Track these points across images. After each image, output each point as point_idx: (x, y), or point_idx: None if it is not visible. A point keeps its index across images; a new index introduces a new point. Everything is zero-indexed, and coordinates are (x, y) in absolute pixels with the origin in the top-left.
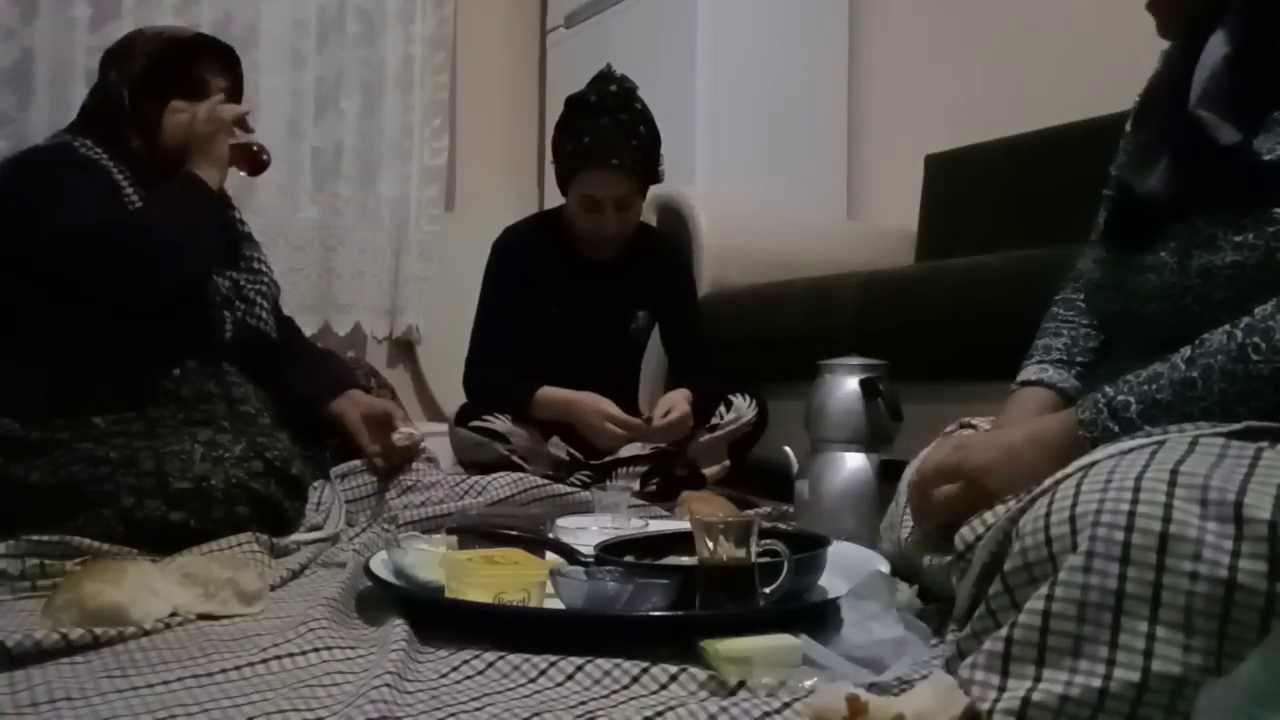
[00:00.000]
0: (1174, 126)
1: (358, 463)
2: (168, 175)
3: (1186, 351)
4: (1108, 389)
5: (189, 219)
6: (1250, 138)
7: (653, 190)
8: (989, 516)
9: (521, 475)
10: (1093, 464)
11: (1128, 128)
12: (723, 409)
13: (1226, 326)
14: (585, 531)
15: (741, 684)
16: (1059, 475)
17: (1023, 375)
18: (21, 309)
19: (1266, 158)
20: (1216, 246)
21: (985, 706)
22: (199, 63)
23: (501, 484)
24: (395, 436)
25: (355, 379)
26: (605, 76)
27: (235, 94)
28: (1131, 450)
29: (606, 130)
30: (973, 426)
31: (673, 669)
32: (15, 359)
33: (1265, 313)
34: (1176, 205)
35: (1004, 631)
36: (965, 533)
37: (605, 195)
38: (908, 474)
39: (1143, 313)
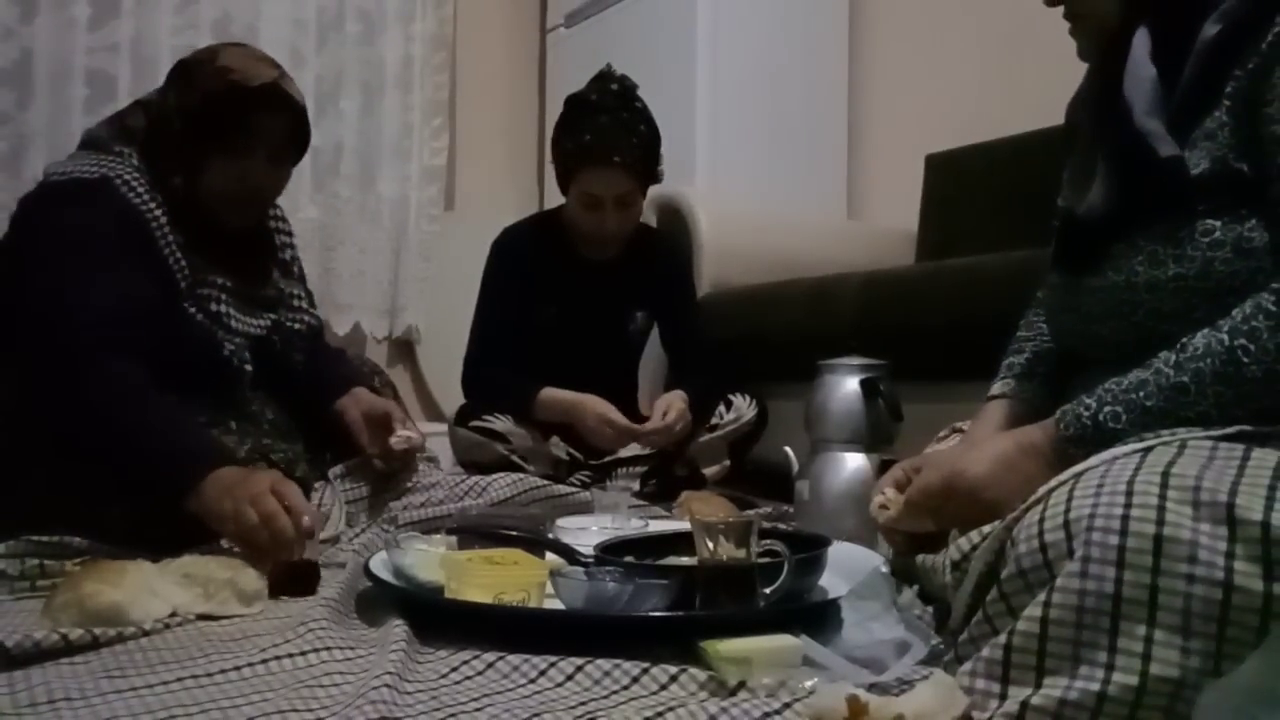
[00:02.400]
0: (1111, 138)
1: (355, 461)
2: (204, 217)
3: (1169, 357)
4: (1088, 400)
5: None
6: (1181, 154)
7: (653, 190)
8: (984, 526)
9: (521, 476)
10: (1084, 471)
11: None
12: (723, 409)
13: (1206, 330)
14: (585, 532)
15: (742, 684)
16: (1051, 484)
17: (989, 393)
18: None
19: (1194, 172)
20: (1158, 261)
21: (985, 716)
22: (256, 116)
23: (501, 485)
24: (393, 440)
25: (363, 377)
26: (605, 75)
27: (294, 149)
28: (1120, 457)
29: (607, 128)
30: (965, 432)
31: (673, 669)
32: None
33: (1244, 314)
34: (1115, 220)
35: (1003, 639)
36: (962, 543)
37: (606, 193)
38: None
39: (1099, 332)
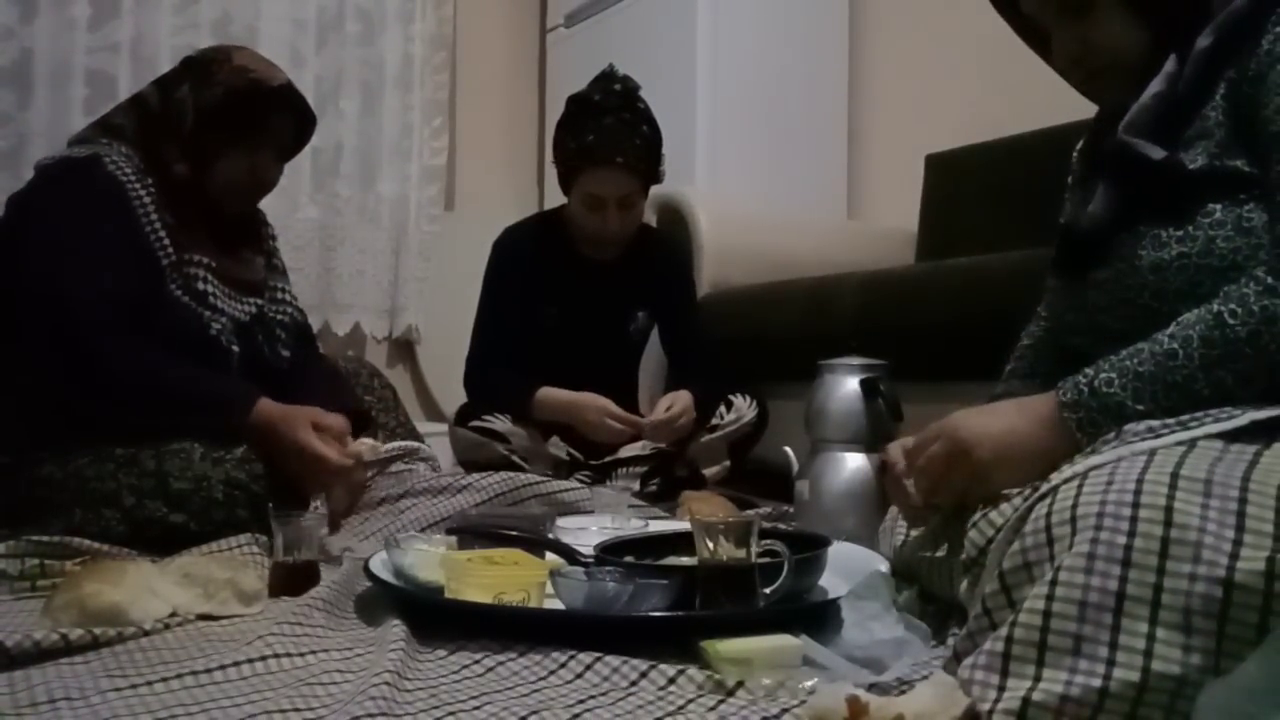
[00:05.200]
0: (1106, 155)
1: None
2: (201, 203)
3: (1166, 329)
4: (1088, 370)
5: (193, 400)
6: (1174, 154)
7: (653, 190)
8: (996, 517)
9: (518, 474)
10: (1093, 467)
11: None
12: (723, 409)
13: (1202, 307)
14: (585, 532)
15: (741, 685)
16: (1062, 476)
17: (993, 394)
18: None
19: (1191, 168)
20: (1161, 243)
21: (985, 707)
22: (273, 114)
23: (495, 480)
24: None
25: (350, 394)
26: (608, 76)
27: (295, 150)
28: (1129, 456)
29: (610, 129)
30: None
31: (672, 670)
32: (14, 384)
33: (1237, 286)
34: (1117, 225)
35: (1004, 631)
36: (975, 537)
37: (609, 194)
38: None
39: (1106, 323)
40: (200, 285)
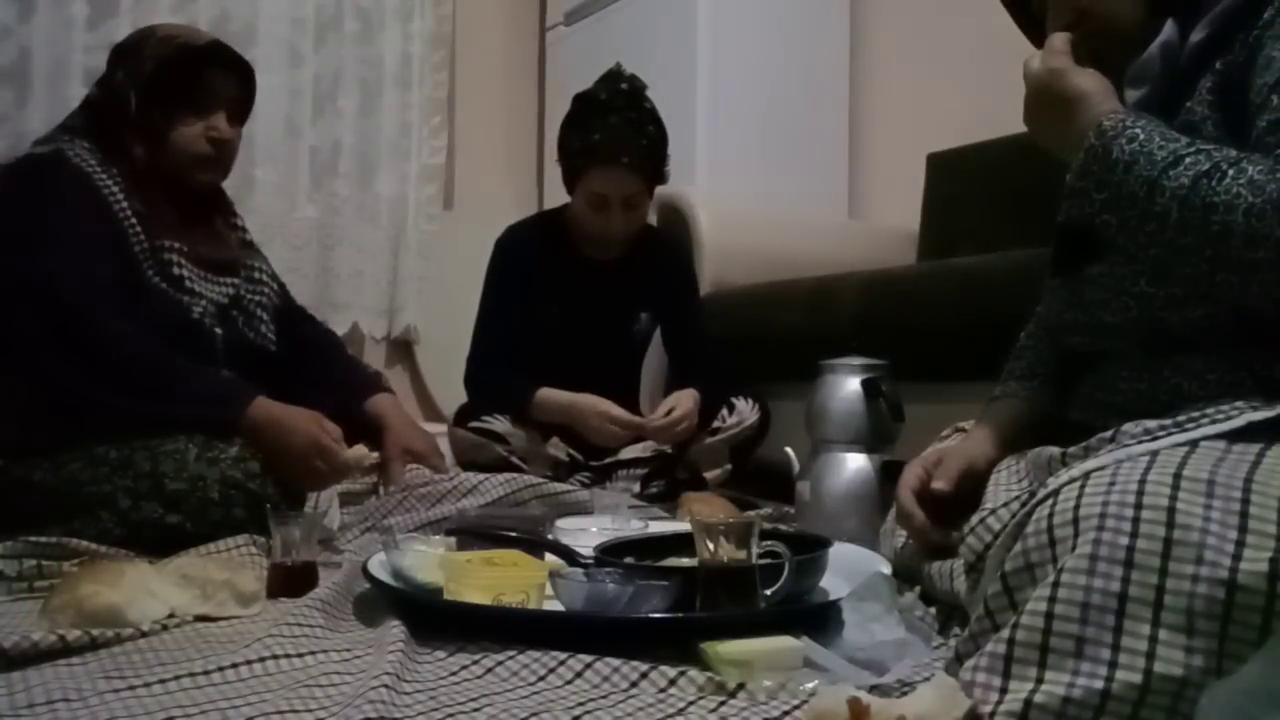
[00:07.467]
0: None
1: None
2: (169, 185)
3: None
4: (1139, 120)
5: (177, 388)
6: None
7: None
8: (994, 522)
9: (517, 475)
10: (1094, 469)
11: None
12: (725, 412)
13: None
14: (585, 533)
15: (742, 686)
16: (1062, 480)
17: (993, 395)
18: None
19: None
20: None
21: (987, 709)
22: (210, 73)
23: (497, 482)
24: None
25: (371, 374)
26: (615, 75)
27: (244, 109)
28: (1131, 458)
29: (617, 128)
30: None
31: (672, 672)
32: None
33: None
34: None
35: (1005, 633)
36: (973, 542)
37: (614, 193)
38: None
39: (1105, 318)
40: (175, 270)
